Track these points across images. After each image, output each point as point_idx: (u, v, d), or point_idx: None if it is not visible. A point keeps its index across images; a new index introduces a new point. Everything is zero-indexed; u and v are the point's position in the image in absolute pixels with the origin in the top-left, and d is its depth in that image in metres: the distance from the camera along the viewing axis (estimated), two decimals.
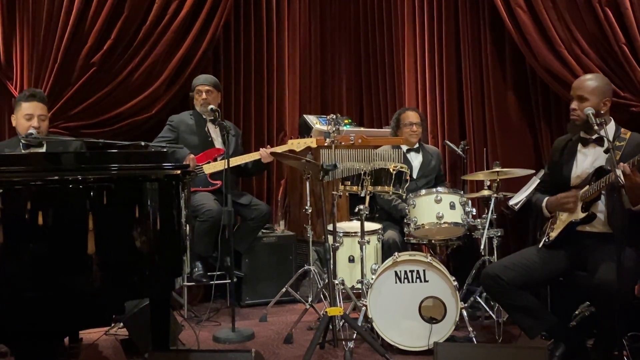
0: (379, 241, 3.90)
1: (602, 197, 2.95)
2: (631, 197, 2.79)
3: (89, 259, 2.22)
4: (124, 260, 2.30)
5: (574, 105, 3.04)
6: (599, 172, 2.91)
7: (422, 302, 3.41)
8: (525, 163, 4.33)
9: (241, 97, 5.23)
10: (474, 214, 3.83)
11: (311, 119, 5.04)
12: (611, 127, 3.04)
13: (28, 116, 3.50)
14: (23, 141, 3.49)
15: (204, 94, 4.38)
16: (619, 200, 2.65)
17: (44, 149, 3.55)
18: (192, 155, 4.21)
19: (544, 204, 3.18)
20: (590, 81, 3.03)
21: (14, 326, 2.24)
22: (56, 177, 2.24)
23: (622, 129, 3.06)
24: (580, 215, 3.01)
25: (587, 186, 2.97)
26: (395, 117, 4.55)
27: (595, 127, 2.82)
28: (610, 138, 2.93)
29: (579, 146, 3.12)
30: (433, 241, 3.94)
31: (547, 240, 3.15)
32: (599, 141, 3.01)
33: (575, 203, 3.02)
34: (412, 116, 4.44)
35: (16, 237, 2.17)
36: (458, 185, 4.78)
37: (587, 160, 3.08)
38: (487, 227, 3.74)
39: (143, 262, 2.34)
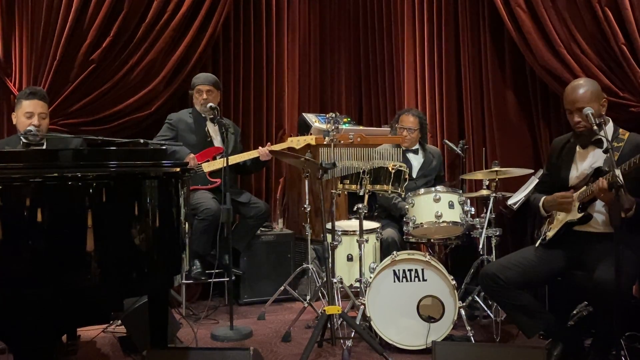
0: (377, 240, 3.90)
1: None
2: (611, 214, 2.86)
3: (88, 256, 2.21)
4: (122, 257, 2.30)
5: (577, 118, 2.98)
6: (597, 173, 2.92)
7: (420, 301, 3.42)
8: (524, 163, 4.33)
9: (240, 95, 5.22)
10: (473, 213, 3.83)
11: (310, 117, 5.04)
12: (610, 127, 3.04)
13: (28, 114, 3.50)
14: (23, 139, 3.48)
15: (204, 93, 4.37)
16: (617, 200, 2.65)
17: (44, 147, 3.54)
18: (192, 155, 4.20)
19: (540, 203, 3.19)
20: (583, 89, 2.98)
21: (12, 323, 2.24)
22: (55, 174, 2.23)
23: (621, 130, 3.06)
24: (577, 215, 3.02)
25: (585, 187, 2.97)
26: (396, 116, 4.57)
27: (595, 128, 2.82)
28: (609, 139, 2.93)
29: (578, 147, 3.12)
30: (432, 240, 3.95)
31: (544, 239, 3.16)
32: (598, 142, 3.00)
33: (571, 203, 3.02)
34: (408, 121, 4.42)
35: (15, 233, 2.17)
36: (457, 185, 4.78)
37: (586, 161, 3.08)
38: (485, 227, 3.74)
39: (142, 260, 2.34)
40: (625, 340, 3.00)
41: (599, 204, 2.98)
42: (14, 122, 3.61)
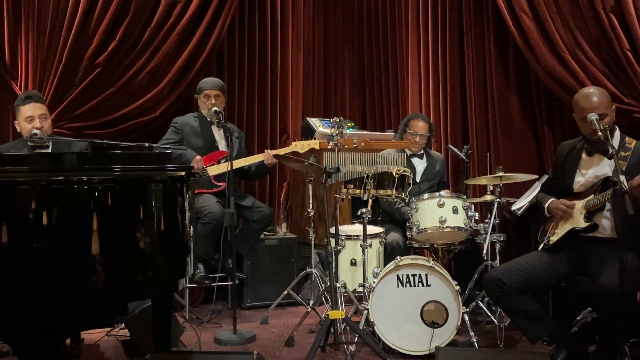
0: (381, 245, 3.90)
1: (607, 204, 2.95)
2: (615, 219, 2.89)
3: (93, 259, 2.22)
4: (127, 260, 2.30)
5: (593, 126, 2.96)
6: (606, 183, 2.91)
7: (424, 306, 3.41)
8: (528, 168, 4.32)
9: (244, 100, 5.23)
10: (477, 218, 3.83)
11: (314, 121, 5.04)
12: (616, 136, 3.04)
13: (29, 118, 3.51)
14: (29, 142, 3.49)
15: (212, 98, 4.36)
16: (622, 206, 2.65)
17: (49, 150, 3.55)
18: (199, 157, 4.21)
19: (546, 205, 3.19)
20: (599, 97, 2.98)
21: (17, 325, 2.24)
22: (61, 178, 2.24)
23: (627, 138, 3.05)
24: (583, 224, 3.01)
25: (592, 195, 2.97)
26: (405, 120, 4.54)
27: (600, 134, 2.81)
28: (616, 147, 2.92)
29: (584, 155, 3.12)
30: (435, 245, 3.95)
31: (547, 243, 3.16)
32: (604, 151, 3.00)
33: (571, 214, 3.04)
34: (420, 127, 4.40)
35: (21, 236, 2.18)
36: (461, 190, 4.78)
37: (591, 169, 3.08)
38: (489, 232, 3.73)
39: (146, 263, 2.34)
40: (630, 347, 2.98)
41: (606, 211, 2.97)
42: (18, 130, 3.60)
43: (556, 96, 4.29)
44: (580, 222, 3.02)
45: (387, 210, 4.33)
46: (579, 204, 3.06)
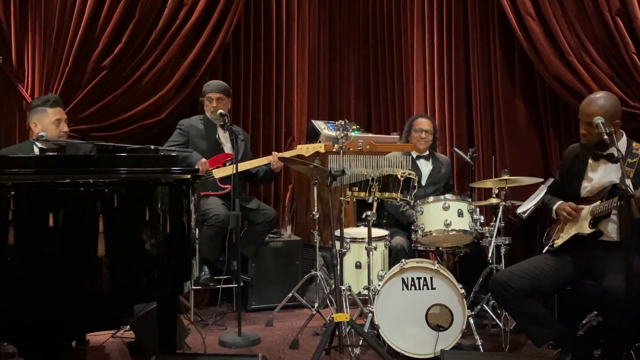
0: (386, 247, 3.90)
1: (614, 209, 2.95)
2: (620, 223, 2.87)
3: (99, 262, 2.22)
4: (133, 262, 2.31)
5: (582, 130, 3.03)
6: (613, 190, 2.90)
7: (428, 309, 3.41)
8: (534, 171, 4.31)
9: (250, 102, 5.25)
10: (482, 221, 3.82)
11: (319, 124, 5.05)
12: (623, 142, 3.03)
13: (57, 121, 3.52)
14: (36, 145, 3.50)
15: (214, 101, 4.37)
16: (627, 210, 2.64)
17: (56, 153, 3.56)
18: (204, 159, 4.22)
19: (555, 207, 3.18)
20: (596, 106, 2.95)
21: (23, 327, 2.25)
22: (67, 180, 2.25)
23: (634, 144, 3.04)
24: (588, 230, 3.01)
25: (599, 202, 2.96)
26: (409, 121, 4.59)
27: (605, 137, 2.81)
28: (623, 153, 2.91)
29: (590, 160, 3.11)
30: (440, 248, 3.94)
31: (551, 246, 3.16)
32: (610, 157, 2.99)
33: (577, 218, 3.03)
34: (424, 123, 4.47)
35: (27, 238, 2.18)
36: (466, 193, 4.77)
37: (597, 174, 3.07)
38: (494, 235, 3.72)
39: (152, 265, 2.34)
40: (635, 351, 2.97)
41: (613, 215, 2.97)
42: (36, 131, 3.50)
43: (562, 99, 4.28)
44: (584, 228, 3.02)
45: (392, 213, 4.33)
46: (586, 209, 3.06)
